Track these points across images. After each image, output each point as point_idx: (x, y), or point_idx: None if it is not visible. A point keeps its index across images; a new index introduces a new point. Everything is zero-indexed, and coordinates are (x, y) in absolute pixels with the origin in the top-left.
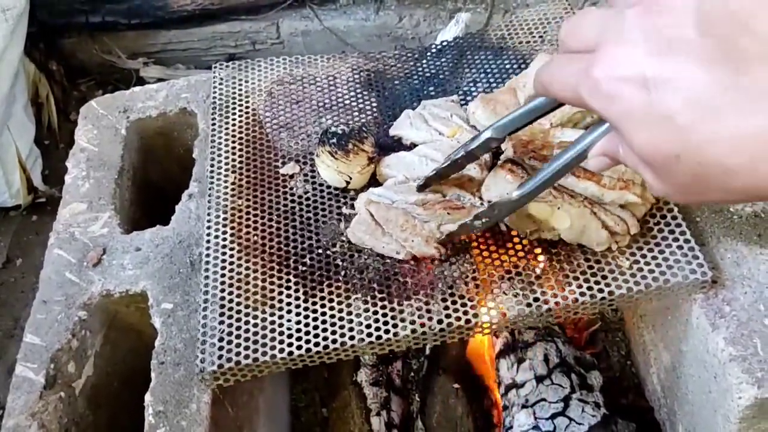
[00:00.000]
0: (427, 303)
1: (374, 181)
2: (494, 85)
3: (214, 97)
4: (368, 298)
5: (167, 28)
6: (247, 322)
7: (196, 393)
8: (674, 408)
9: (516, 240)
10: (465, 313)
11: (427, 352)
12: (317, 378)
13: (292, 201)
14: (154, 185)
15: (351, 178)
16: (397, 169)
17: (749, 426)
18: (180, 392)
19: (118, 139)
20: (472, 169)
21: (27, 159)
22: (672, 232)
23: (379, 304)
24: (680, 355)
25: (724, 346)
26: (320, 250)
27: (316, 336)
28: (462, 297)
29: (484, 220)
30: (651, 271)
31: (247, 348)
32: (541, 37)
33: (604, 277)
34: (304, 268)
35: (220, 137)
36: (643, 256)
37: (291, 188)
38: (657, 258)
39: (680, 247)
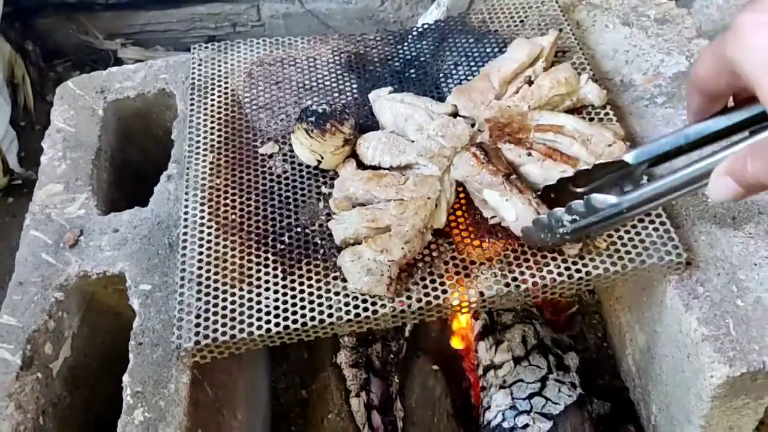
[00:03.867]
0: (406, 281)
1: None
2: (474, 68)
3: (193, 78)
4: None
5: (146, 8)
6: (224, 300)
7: (175, 373)
8: (648, 388)
9: (494, 222)
10: (444, 291)
11: (407, 334)
12: (297, 360)
13: (271, 180)
14: (132, 166)
15: (322, 158)
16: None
17: (721, 404)
18: (158, 373)
19: (95, 120)
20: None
21: (3, 140)
22: (648, 214)
23: None
24: (655, 335)
25: (697, 326)
26: (299, 229)
27: (294, 313)
28: (441, 276)
29: (573, 218)
30: (627, 253)
31: (224, 325)
32: (521, 21)
33: (582, 258)
34: (283, 247)
35: (198, 117)
36: (620, 238)
37: (270, 168)
38: (633, 240)
39: (656, 229)
